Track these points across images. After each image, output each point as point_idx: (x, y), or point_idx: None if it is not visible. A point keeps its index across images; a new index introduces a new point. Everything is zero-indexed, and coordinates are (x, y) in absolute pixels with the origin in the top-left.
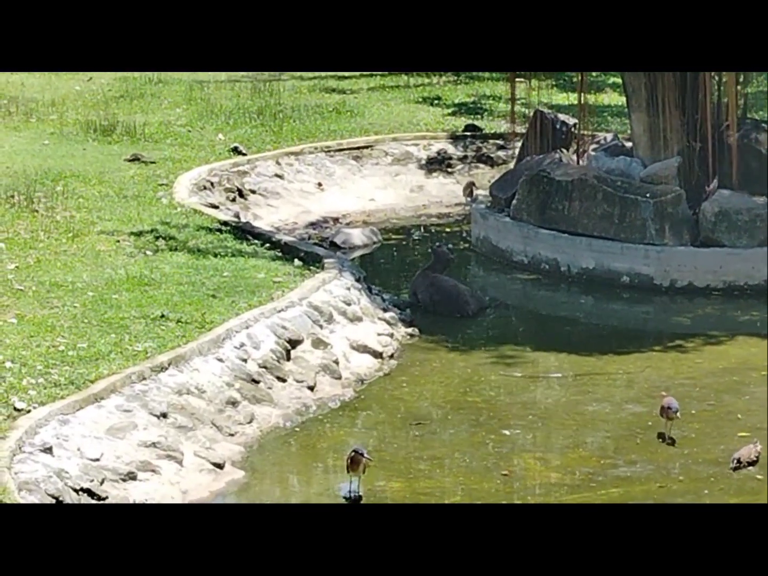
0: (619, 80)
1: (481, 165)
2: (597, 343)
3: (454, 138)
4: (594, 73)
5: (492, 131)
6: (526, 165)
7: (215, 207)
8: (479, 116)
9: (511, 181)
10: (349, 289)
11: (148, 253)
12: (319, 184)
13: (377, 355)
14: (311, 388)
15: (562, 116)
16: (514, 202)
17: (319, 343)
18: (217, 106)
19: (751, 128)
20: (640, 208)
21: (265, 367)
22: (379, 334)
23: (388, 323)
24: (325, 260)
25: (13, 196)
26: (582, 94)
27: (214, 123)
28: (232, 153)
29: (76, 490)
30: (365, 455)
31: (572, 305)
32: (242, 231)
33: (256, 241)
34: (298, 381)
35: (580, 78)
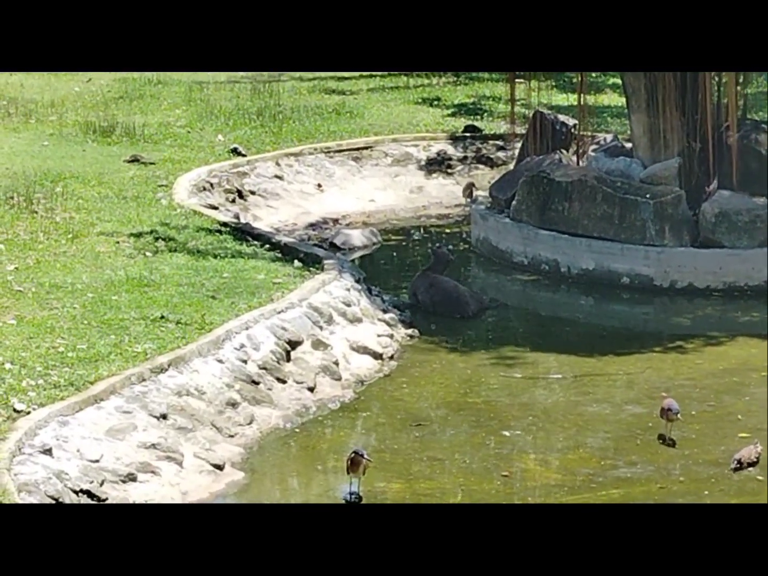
0: (618, 81)
1: (481, 166)
2: (597, 344)
3: (454, 139)
4: (594, 74)
5: (492, 132)
6: (526, 166)
7: (215, 208)
8: (479, 117)
9: (511, 182)
10: (348, 290)
11: (147, 254)
12: (319, 185)
13: (377, 356)
14: (311, 390)
15: (561, 117)
16: (514, 203)
17: (318, 345)
18: (217, 107)
19: (751, 129)
20: (640, 209)
21: (265, 369)
22: (379, 335)
23: (388, 324)
24: (325, 261)
25: (12, 198)
26: (582, 95)
27: (214, 124)
28: (231, 154)
29: (75, 492)
30: (365, 456)
31: (572, 306)
32: (242, 232)
33: (255, 243)
34: (298, 382)
35: (579, 79)
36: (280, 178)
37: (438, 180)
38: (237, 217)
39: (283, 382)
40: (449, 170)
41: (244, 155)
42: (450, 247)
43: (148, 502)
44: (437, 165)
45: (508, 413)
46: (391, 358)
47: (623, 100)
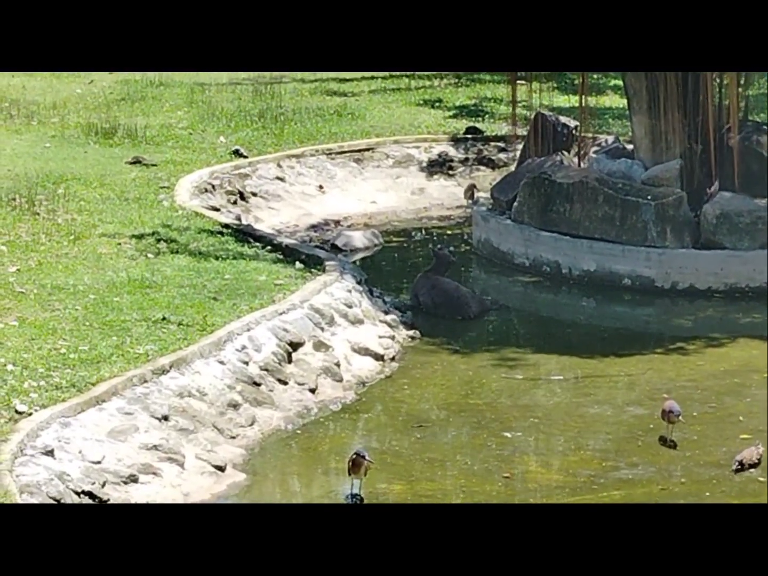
0: (620, 82)
1: (482, 167)
2: (598, 345)
3: (456, 140)
4: (595, 76)
5: (493, 134)
6: (528, 167)
7: (216, 210)
8: (480, 118)
9: (513, 183)
10: (350, 291)
11: (149, 255)
12: (321, 187)
13: (378, 357)
14: (312, 391)
15: (563, 118)
16: (516, 204)
17: (320, 346)
18: (219, 108)
19: (752, 130)
20: (641, 211)
21: (266, 370)
22: (380, 337)
23: (390, 326)
24: (327, 263)
25: (14, 199)
26: (583, 97)
27: (216, 126)
28: (233, 155)
29: (77, 493)
30: (366, 458)
31: (573, 307)
32: (243, 233)
33: (257, 244)
34: (299, 383)
35: (581, 80)
36: (281, 179)
37: (439, 181)
38: (239, 218)
39: (285, 383)
40: (451, 172)
41: (245, 157)
42: (451, 248)
43: (150, 503)
44: (439, 166)
45: (510, 415)
46: (393, 359)
47: (624, 101)
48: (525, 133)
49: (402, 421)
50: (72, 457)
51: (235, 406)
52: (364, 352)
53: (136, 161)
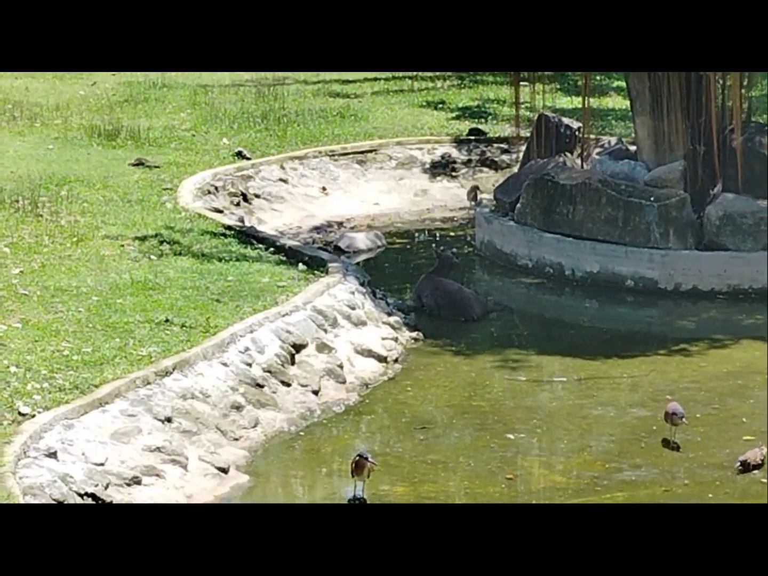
0: (623, 84)
1: (486, 169)
2: (601, 346)
3: (459, 142)
4: (598, 77)
5: (496, 135)
6: (531, 169)
7: (219, 211)
8: (483, 120)
9: (515, 184)
10: (353, 293)
11: (152, 257)
12: (324, 189)
13: (382, 359)
14: (316, 393)
15: (566, 120)
16: (519, 205)
17: (323, 348)
18: (222, 110)
19: (755, 132)
20: (644, 212)
21: (269, 372)
22: (383, 339)
23: (393, 327)
24: (330, 264)
25: (17, 201)
26: (586, 98)
27: (219, 127)
28: (236, 157)
29: (80, 495)
30: (370, 459)
31: (576, 309)
32: (246, 235)
33: (260, 246)
34: (302, 385)
35: (584, 82)
36: (284, 181)
37: (442, 183)
38: (241, 220)
39: (288, 385)
40: (454, 173)
41: (248, 158)
42: (454, 250)
43: (152, 503)
44: (442, 168)
45: (513, 416)
46: (396, 361)
47: (627, 103)
48: (528, 134)
49: (405, 422)
50: (75, 459)
51: (238, 407)
52: (367, 353)
53: (139, 163)
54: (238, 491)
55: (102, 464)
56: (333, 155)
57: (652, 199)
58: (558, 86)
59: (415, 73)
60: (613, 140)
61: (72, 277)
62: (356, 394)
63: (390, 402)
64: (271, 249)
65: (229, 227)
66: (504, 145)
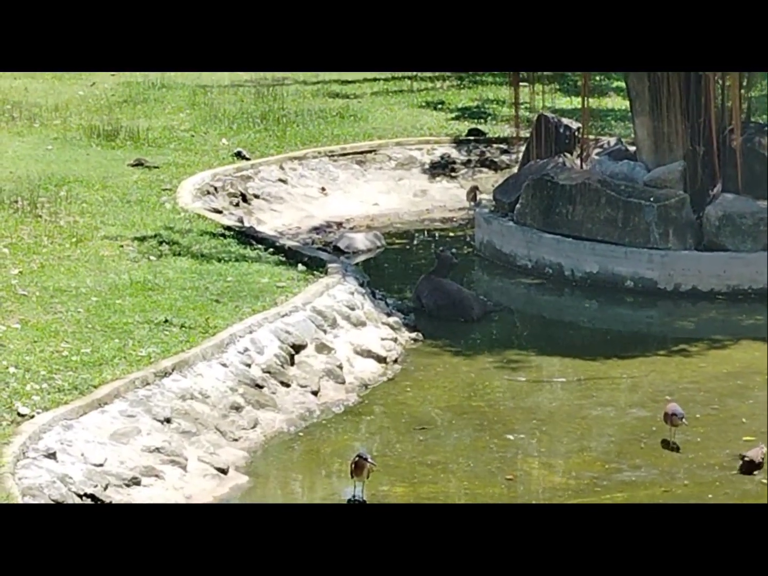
0: (622, 84)
1: (485, 169)
2: (601, 347)
3: (458, 142)
4: (597, 77)
5: (495, 135)
6: (530, 169)
7: (219, 212)
8: (483, 120)
9: (515, 185)
10: (352, 293)
11: (151, 258)
12: (323, 189)
13: (381, 359)
14: (315, 393)
15: (565, 120)
16: (518, 206)
17: (322, 348)
18: (221, 110)
19: (754, 132)
20: (643, 212)
21: (268, 372)
22: (382, 339)
23: (392, 328)
24: (329, 265)
25: (16, 201)
26: (585, 98)
27: (218, 128)
28: (235, 158)
29: (79, 496)
30: (369, 460)
31: (576, 309)
32: (246, 236)
33: (259, 246)
34: (302, 386)
35: (583, 82)
36: (284, 181)
37: (442, 183)
38: (241, 220)
39: (287, 385)
40: (453, 174)
41: (248, 159)
42: (454, 250)
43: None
44: (441, 168)
45: (512, 417)
46: (395, 361)
47: (627, 103)
48: (527, 135)
49: (404, 423)
50: (74, 459)
51: (237, 408)
52: (367, 354)
53: (138, 163)
54: (237, 492)
55: (101, 465)
56: (332, 156)
57: (651, 199)
58: (557, 87)
59: (414, 73)
60: (613, 141)
61: (71, 278)
62: (355, 394)
63: (389, 402)
64: (271, 249)
65: (228, 228)
66: (503, 146)
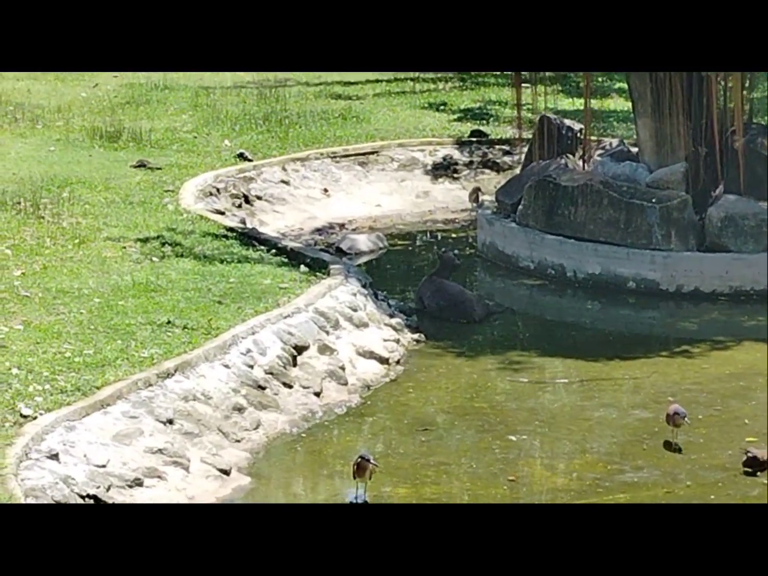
0: (624, 85)
1: (487, 170)
2: (603, 348)
3: (460, 143)
4: (600, 78)
5: (498, 137)
6: (532, 170)
7: (221, 213)
8: (485, 122)
9: (517, 186)
10: (355, 294)
11: (154, 259)
12: (325, 190)
13: (383, 360)
14: (317, 394)
15: (567, 121)
16: (520, 207)
17: (325, 349)
18: (223, 112)
19: (757, 133)
20: (646, 214)
21: (271, 373)
22: (385, 340)
23: (395, 329)
24: (331, 266)
25: (19, 203)
26: (588, 100)
27: (220, 129)
28: (238, 159)
29: (82, 497)
30: (371, 461)
31: (578, 310)
32: (248, 237)
33: (262, 247)
34: (304, 387)
35: (585, 83)
36: (286, 183)
37: (444, 185)
38: (243, 222)
39: (290, 387)
40: (455, 175)
41: (250, 160)
42: (456, 251)
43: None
44: (443, 170)
45: (515, 418)
46: (398, 362)
47: (629, 104)
48: (530, 136)
49: (407, 424)
50: (77, 460)
51: (240, 409)
52: (369, 355)
53: (141, 165)
54: (239, 493)
55: (104, 466)
56: (335, 157)
57: (653, 200)
58: (560, 88)
59: (416, 74)
60: (615, 142)
61: (74, 279)
62: (358, 395)
63: (392, 403)
64: (273, 251)
65: (230, 229)
66: (506, 147)
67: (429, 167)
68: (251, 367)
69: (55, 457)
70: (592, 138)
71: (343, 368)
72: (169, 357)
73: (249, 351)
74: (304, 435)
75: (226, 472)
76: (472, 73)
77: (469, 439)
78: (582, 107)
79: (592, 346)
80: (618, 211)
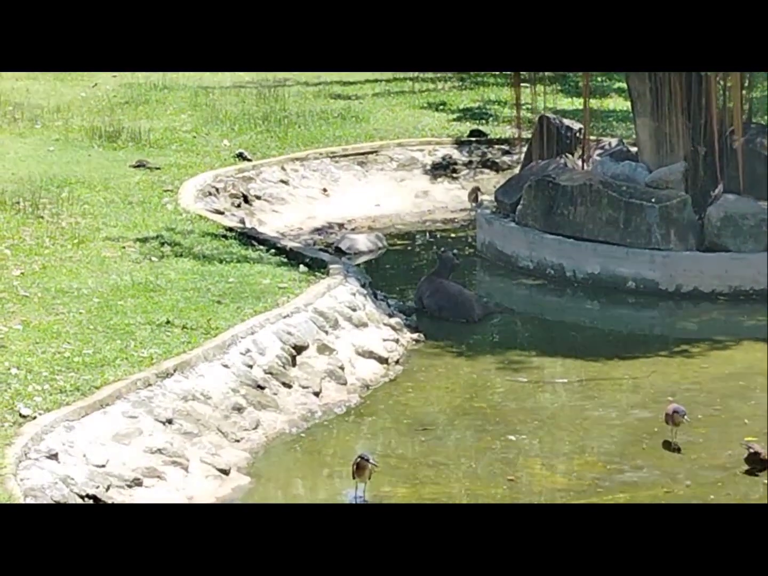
0: (624, 85)
1: (486, 170)
2: (603, 348)
3: (459, 143)
4: (599, 78)
5: (497, 136)
6: (531, 170)
7: (220, 213)
8: (484, 121)
9: (517, 186)
10: (354, 294)
11: (153, 259)
12: (324, 190)
13: (383, 360)
14: (317, 394)
15: (567, 121)
16: (520, 207)
17: (324, 349)
18: (222, 112)
19: (756, 133)
20: (645, 213)
21: (270, 373)
22: (384, 340)
23: (394, 329)
24: (331, 266)
25: (18, 203)
26: (587, 99)
27: (219, 129)
28: (237, 159)
29: (81, 497)
30: (371, 461)
31: (578, 310)
32: (247, 237)
33: (261, 247)
34: (303, 387)
35: (585, 83)
36: (285, 182)
37: (443, 184)
38: (242, 221)
39: (289, 386)
40: (454, 175)
41: (249, 160)
42: (455, 251)
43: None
44: (443, 169)
45: (514, 417)
46: (397, 362)
47: (628, 104)
48: (529, 136)
49: (406, 424)
50: (76, 460)
51: (239, 409)
52: (368, 355)
53: (140, 165)
54: (239, 493)
55: (103, 466)
56: (334, 157)
57: (653, 200)
58: (559, 87)
59: (416, 74)
60: (614, 141)
61: (73, 279)
62: (357, 395)
63: (391, 403)
64: (272, 250)
65: (230, 229)
66: (505, 147)
67: (428, 167)
68: (250, 366)
69: (54, 457)
70: (592, 138)
71: (342, 368)
72: (169, 357)
73: (248, 351)
74: (303, 435)
75: (226, 472)
76: (471, 72)
77: (468, 438)
78: (581, 107)
79: (591, 346)
80: (617, 211)
